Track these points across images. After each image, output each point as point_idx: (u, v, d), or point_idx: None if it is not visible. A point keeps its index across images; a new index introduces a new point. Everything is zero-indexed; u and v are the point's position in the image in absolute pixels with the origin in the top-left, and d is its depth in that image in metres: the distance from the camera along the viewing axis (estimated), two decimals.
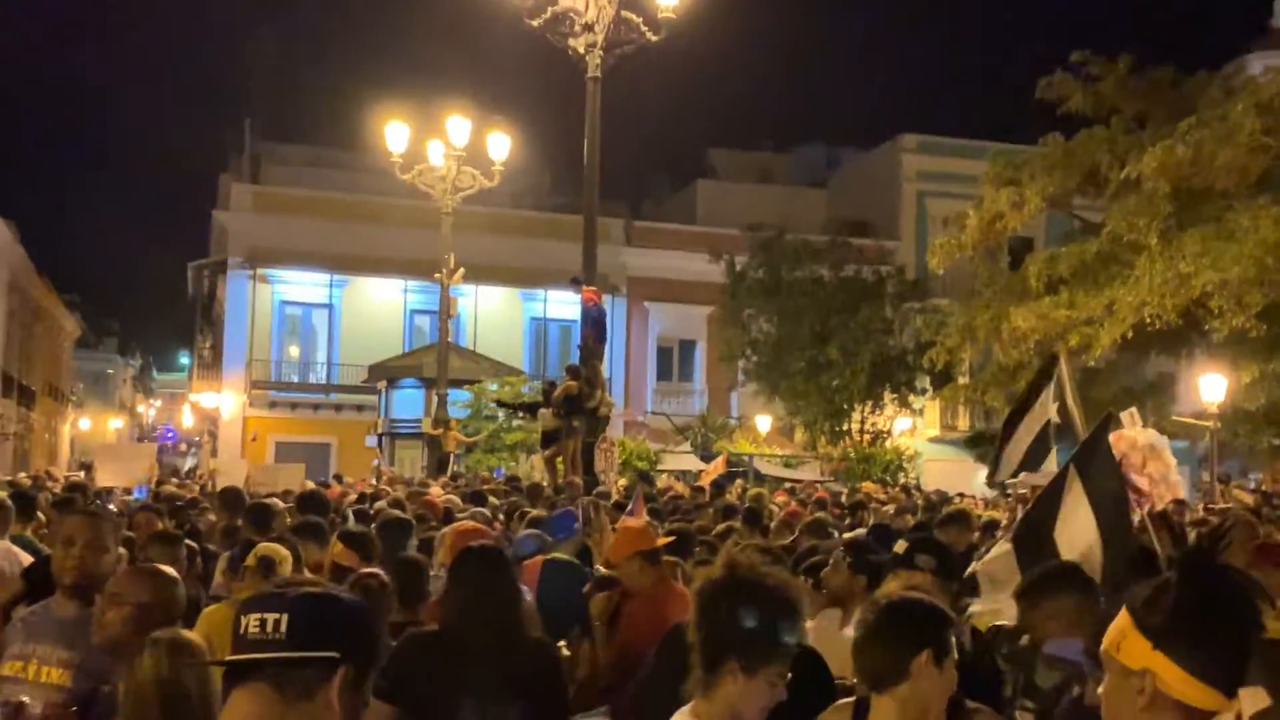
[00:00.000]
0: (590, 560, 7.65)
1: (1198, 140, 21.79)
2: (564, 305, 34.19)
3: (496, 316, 38.12)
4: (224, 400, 38.46)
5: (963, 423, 39.03)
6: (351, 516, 9.81)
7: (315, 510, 8.47)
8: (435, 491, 14.01)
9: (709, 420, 35.44)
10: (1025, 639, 3.85)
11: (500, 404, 24.90)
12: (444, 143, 23.91)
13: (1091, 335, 23.77)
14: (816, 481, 26.13)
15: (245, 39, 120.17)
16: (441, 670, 4.21)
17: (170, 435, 76.44)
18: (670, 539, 6.75)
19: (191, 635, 3.52)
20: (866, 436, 35.13)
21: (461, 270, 25.43)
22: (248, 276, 36.96)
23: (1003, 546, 4.94)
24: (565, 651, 5.42)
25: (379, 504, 11.57)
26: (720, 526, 9.44)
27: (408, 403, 29.94)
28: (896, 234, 40.56)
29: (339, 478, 22.20)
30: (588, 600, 6.13)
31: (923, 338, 30.69)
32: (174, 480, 21.83)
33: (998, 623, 4.34)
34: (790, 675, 3.09)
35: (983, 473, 32.83)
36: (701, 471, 23.75)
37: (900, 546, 4.98)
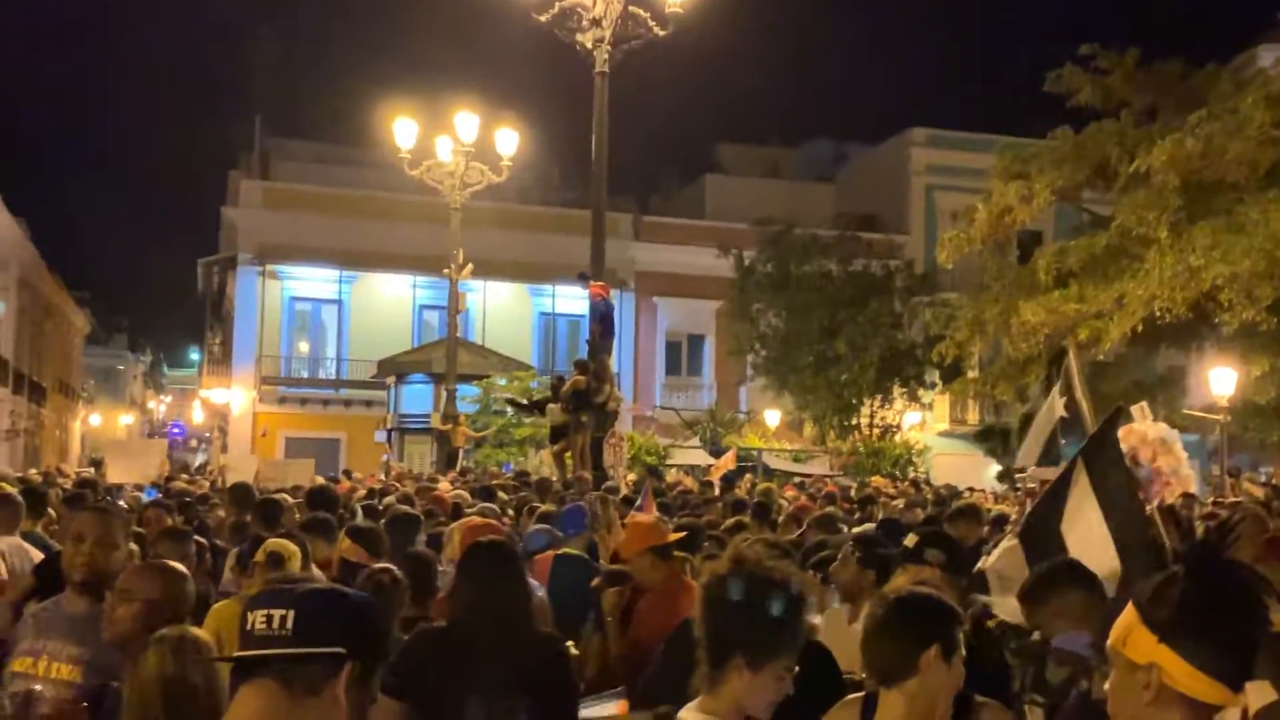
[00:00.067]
0: (597, 556, 7.67)
1: (1208, 133, 21.70)
2: (572, 300, 34.21)
3: (505, 312, 38.16)
4: (234, 396, 38.57)
5: (972, 417, 38.98)
6: (360, 512, 9.82)
7: (324, 506, 8.48)
8: (444, 487, 14.03)
9: (718, 415, 35.45)
10: (1035, 634, 3.85)
11: (513, 404, 24.90)
12: (452, 138, 23.91)
13: (1101, 329, 23.70)
14: (826, 476, 26.12)
15: (255, 37, 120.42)
16: (450, 666, 4.20)
17: (180, 431, 76.59)
18: (682, 534, 6.76)
19: (198, 632, 3.52)
20: (876, 431, 35.10)
21: (470, 265, 25.45)
22: (257, 272, 37.05)
23: (1010, 542, 4.93)
24: (575, 651, 5.42)
25: (387, 499, 11.59)
26: (729, 521, 9.44)
27: (417, 398, 29.99)
28: (905, 228, 40.52)
29: (348, 473, 22.24)
30: (597, 594, 6.15)
31: (932, 331, 30.65)
32: (184, 476, 21.89)
33: (1005, 619, 4.33)
34: (799, 670, 3.09)
35: (993, 467, 32.96)
36: (711, 466, 23.77)
37: (910, 540, 4.98)
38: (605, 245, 18.52)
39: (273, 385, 37.50)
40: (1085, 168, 25.17)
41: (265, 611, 2.26)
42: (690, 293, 39.02)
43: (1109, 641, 2.29)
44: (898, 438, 35.11)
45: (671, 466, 25.35)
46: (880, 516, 11.40)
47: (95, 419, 69.84)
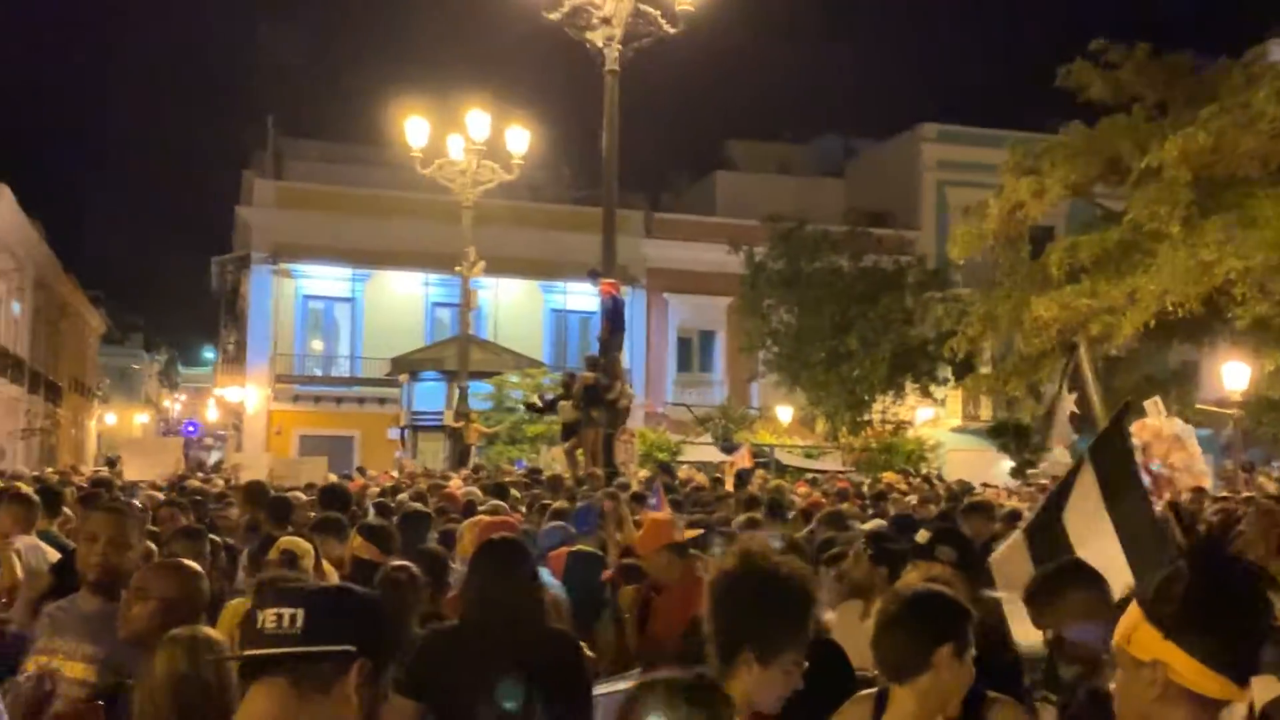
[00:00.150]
0: (605, 553, 7.70)
1: (1219, 127, 21.63)
2: (584, 297, 34.21)
3: (517, 309, 38.21)
4: (248, 394, 38.69)
5: (985, 412, 38.86)
6: (372, 510, 9.85)
7: (337, 503, 8.51)
8: (455, 484, 14.06)
9: (729, 411, 35.44)
10: (1048, 632, 3.85)
11: (530, 408, 24.91)
12: (464, 137, 23.96)
13: (1113, 324, 23.65)
14: (838, 472, 26.10)
15: (267, 38, 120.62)
16: (463, 664, 4.22)
17: (195, 429, 76.78)
18: (698, 532, 6.80)
19: (210, 631, 3.55)
20: (888, 427, 35.03)
21: (482, 263, 25.50)
22: (271, 271, 37.17)
23: (1015, 538, 4.92)
24: (590, 653, 5.44)
25: (401, 496, 11.63)
26: (742, 517, 9.45)
27: (429, 395, 30.06)
28: (916, 224, 40.45)
29: (362, 470, 22.30)
30: (610, 588, 6.18)
31: (943, 327, 30.58)
32: (199, 474, 21.95)
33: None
34: (811, 666, 3.10)
35: (1005, 462, 32.89)
36: (723, 463, 23.76)
37: (922, 537, 4.98)
38: (616, 242, 18.55)
39: (287, 383, 37.61)
40: (1097, 163, 25.11)
41: (275, 610, 2.26)
42: (701, 289, 39.01)
43: (1114, 640, 2.29)
44: (910, 433, 35.05)
45: (683, 463, 25.34)
46: (892, 513, 11.38)
47: (111, 418, 70.05)
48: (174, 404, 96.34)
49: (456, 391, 25.77)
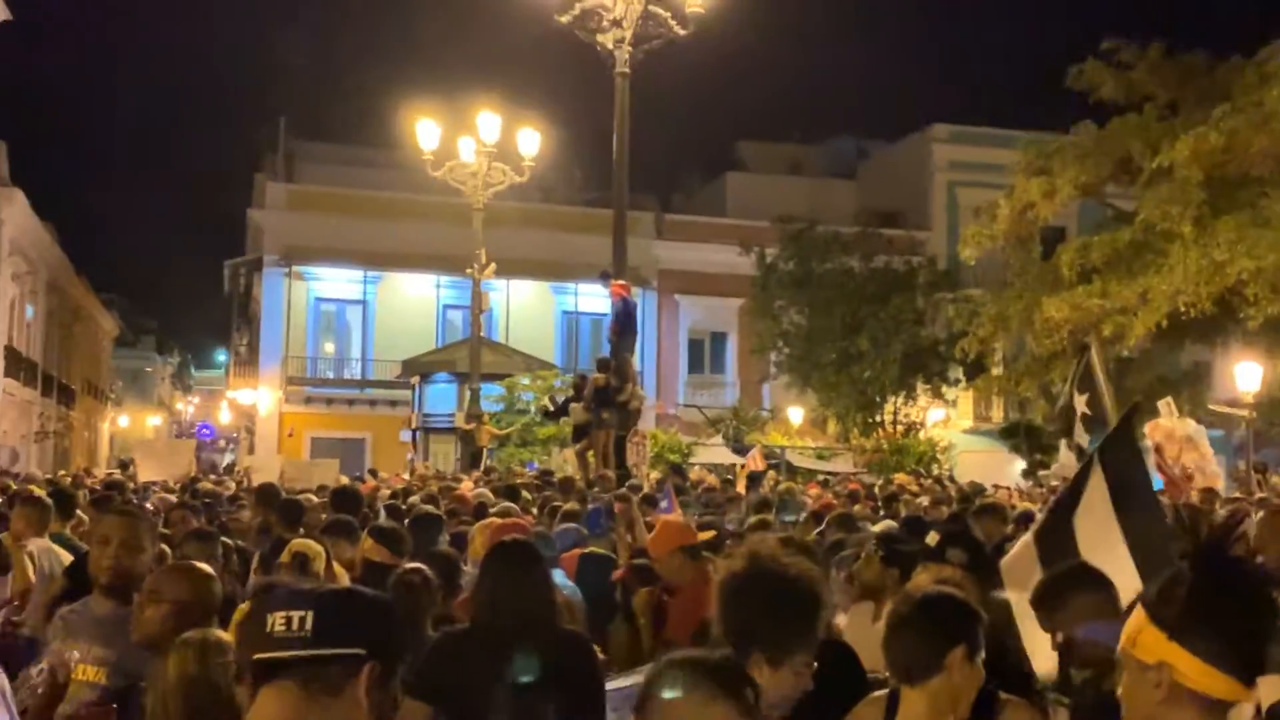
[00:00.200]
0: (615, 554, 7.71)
1: (1232, 127, 21.59)
2: (595, 299, 34.23)
3: (528, 311, 38.24)
4: (260, 396, 38.78)
5: (997, 413, 38.80)
6: (383, 512, 9.87)
7: (348, 506, 8.52)
8: (466, 486, 14.08)
9: (741, 412, 35.41)
10: (1057, 636, 3.84)
11: (546, 414, 24.89)
12: (475, 139, 23.97)
13: (1125, 324, 23.61)
14: (850, 473, 26.06)
15: (278, 40, 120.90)
16: (475, 667, 4.23)
17: (209, 432, 77.00)
18: (711, 534, 6.80)
19: (221, 634, 3.55)
20: (900, 428, 34.99)
21: (493, 265, 25.51)
22: (283, 274, 37.25)
23: (1024, 540, 4.90)
24: (602, 656, 5.44)
25: (412, 498, 11.64)
26: (753, 519, 9.45)
27: (441, 397, 30.10)
28: (927, 224, 40.38)
29: (373, 472, 22.33)
30: (617, 587, 6.18)
31: (955, 328, 30.56)
32: (211, 477, 22.02)
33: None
34: (823, 669, 3.10)
35: (1017, 463, 32.80)
36: (735, 464, 23.75)
37: (932, 539, 4.97)
38: (627, 244, 18.55)
39: (299, 385, 37.69)
40: (1108, 163, 25.08)
41: (284, 613, 2.25)
42: (712, 290, 39.00)
43: (1120, 644, 2.29)
44: (921, 435, 34.97)
45: (695, 465, 25.33)
46: (904, 514, 11.35)
47: (124, 420, 70.28)
48: (187, 406, 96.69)
49: (468, 393, 25.78)
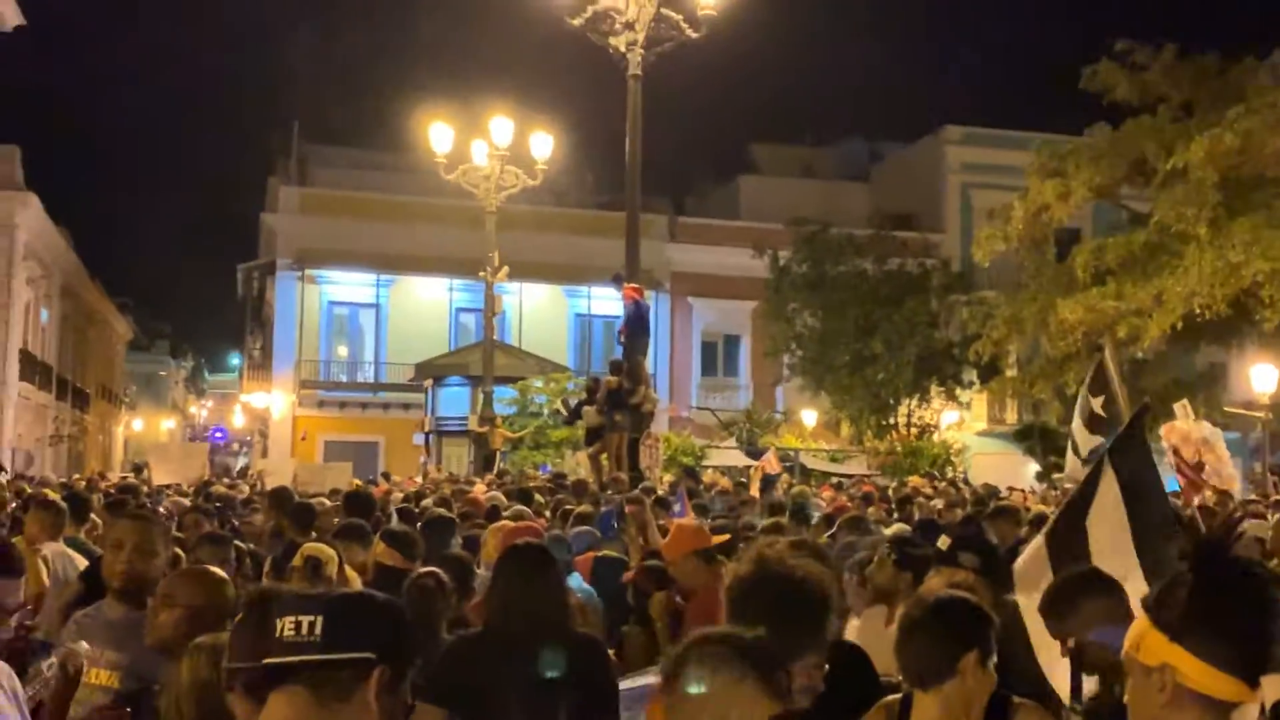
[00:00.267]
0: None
1: (1246, 128, 21.52)
2: (608, 301, 34.23)
3: (541, 314, 38.28)
4: (274, 400, 38.88)
5: (1011, 416, 38.72)
6: (395, 515, 9.87)
7: (361, 509, 8.53)
8: (479, 489, 14.08)
9: (754, 415, 35.39)
10: (1067, 641, 3.82)
11: (563, 419, 24.89)
12: (487, 142, 23.99)
13: (1140, 326, 23.54)
14: (864, 476, 26.03)
15: (291, 44, 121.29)
16: (489, 670, 4.22)
17: (222, 435, 77.19)
18: (725, 538, 6.80)
19: None
20: (913, 430, 34.94)
21: (506, 268, 25.51)
22: (296, 277, 37.36)
23: (1036, 542, 4.88)
24: (616, 659, 5.44)
25: (425, 502, 11.65)
26: (766, 522, 9.44)
27: (454, 400, 30.11)
28: (941, 227, 40.31)
29: (386, 476, 22.37)
30: (634, 590, 6.18)
31: (969, 330, 30.51)
32: (224, 480, 22.07)
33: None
34: (836, 672, 3.08)
35: (1032, 466, 32.73)
36: (749, 467, 23.72)
37: (943, 543, 4.95)
38: (640, 247, 18.53)
39: (312, 389, 37.79)
40: (1122, 164, 25.02)
41: (294, 618, 2.24)
42: (726, 293, 38.99)
43: (1124, 649, 2.28)
44: (935, 437, 34.93)
45: (708, 467, 25.32)
46: (918, 517, 11.33)
47: (138, 424, 70.50)
48: (200, 410, 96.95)
49: (481, 397, 25.78)
